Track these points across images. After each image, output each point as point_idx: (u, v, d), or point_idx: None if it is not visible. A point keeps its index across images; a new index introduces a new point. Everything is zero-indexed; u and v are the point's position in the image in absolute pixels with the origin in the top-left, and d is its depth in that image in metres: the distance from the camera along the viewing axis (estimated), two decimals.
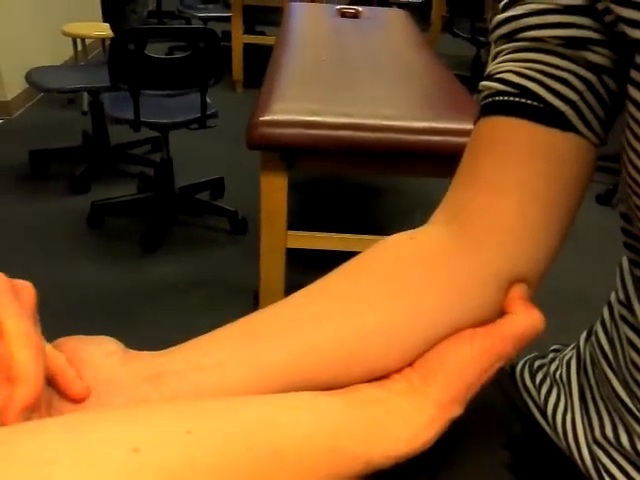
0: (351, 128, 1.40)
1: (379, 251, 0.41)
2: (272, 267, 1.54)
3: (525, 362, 0.55)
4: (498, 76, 0.40)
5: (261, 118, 1.39)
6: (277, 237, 1.51)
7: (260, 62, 2.96)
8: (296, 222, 1.57)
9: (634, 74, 0.34)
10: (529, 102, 0.38)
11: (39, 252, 2.05)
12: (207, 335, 0.38)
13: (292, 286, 1.60)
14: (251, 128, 1.39)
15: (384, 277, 0.39)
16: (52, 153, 2.62)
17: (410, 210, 2.39)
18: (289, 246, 1.53)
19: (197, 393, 0.34)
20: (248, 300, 1.78)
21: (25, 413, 0.30)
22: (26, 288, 0.36)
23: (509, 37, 0.39)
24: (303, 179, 2.48)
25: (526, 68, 0.38)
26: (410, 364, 0.38)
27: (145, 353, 0.36)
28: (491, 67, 0.41)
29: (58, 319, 1.66)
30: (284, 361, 0.36)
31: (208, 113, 2.03)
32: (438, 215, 0.43)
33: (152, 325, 1.72)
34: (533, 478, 0.47)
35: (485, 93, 0.41)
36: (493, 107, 0.40)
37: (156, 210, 2.22)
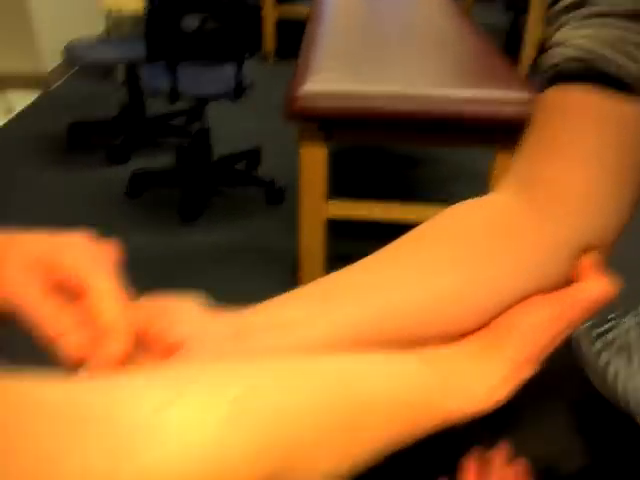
0: (389, 99, 1.39)
1: (449, 217, 0.42)
2: (312, 237, 1.56)
3: (585, 329, 0.56)
4: (567, 43, 0.40)
5: (299, 91, 1.40)
6: (317, 207, 1.53)
7: (291, 33, 2.94)
8: (336, 191, 1.58)
9: None
10: (602, 68, 0.38)
11: (79, 221, 2.09)
12: (286, 295, 0.39)
13: (332, 256, 1.62)
14: (289, 101, 1.39)
15: (456, 242, 0.40)
16: (90, 125, 2.67)
17: (451, 178, 2.37)
18: (329, 216, 1.55)
19: (277, 349, 0.36)
20: (286, 269, 1.81)
21: (114, 367, 0.32)
22: (109, 249, 0.38)
23: (577, 6, 0.39)
24: (343, 147, 2.48)
25: (597, 35, 0.38)
26: (486, 325, 0.39)
27: (228, 311, 0.38)
28: (557, 36, 0.41)
29: None
30: (360, 322, 0.37)
31: (243, 85, 2.04)
32: (506, 183, 0.43)
33: (194, 291, 1.77)
34: (596, 440, 0.49)
35: (554, 61, 0.41)
36: (564, 74, 0.40)
37: (194, 180, 2.26)
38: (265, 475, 0.26)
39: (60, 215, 2.12)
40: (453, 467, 0.46)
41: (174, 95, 1.98)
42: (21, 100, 2.96)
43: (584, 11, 0.39)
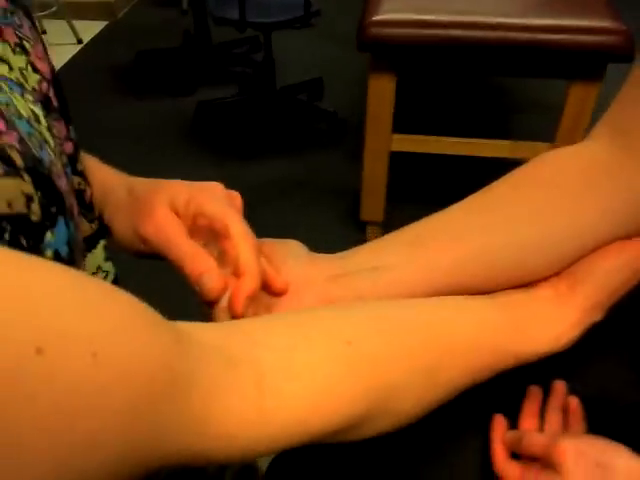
0: (464, 26, 1.35)
1: (542, 164, 0.44)
2: (375, 170, 1.57)
3: None
4: None
5: (371, 19, 1.37)
6: (382, 141, 1.53)
7: None
8: (401, 125, 1.57)
9: None
10: None
11: (147, 151, 2.16)
12: (379, 240, 0.43)
13: (393, 191, 1.63)
14: (361, 29, 1.37)
15: (547, 190, 0.42)
16: (157, 53, 2.70)
17: (522, 112, 2.29)
18: (393, 149, 1.55)
19: (373, 291, 0.40)
20: (348, 201, 1.83)
21: (248, 300, 0.37)
22: (237, 196, 0.42)
23: None
24: (410, 82, 2.43)
25: None
26: (557, 273, 0.41)
27: (326, 256, 0.42)
28: None
29: None
30: (449, 266, 0.41)
31: (311, 11, 2.00)
32: (602, 128, 0.44)
33: (258, 225, 1.81)
34: None
35: None
36: None
37: (258, 111, 2.28)
38: (361, 415, 0.31)
39: (127, 146, 2.18)
40: (511, 407, 0.49)
41: (242, 24, 1.97)
42: (88, 30, 3.01)
43: None
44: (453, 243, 0.41)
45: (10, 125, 0.26)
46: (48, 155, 0.29)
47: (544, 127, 1.55)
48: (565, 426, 0.48)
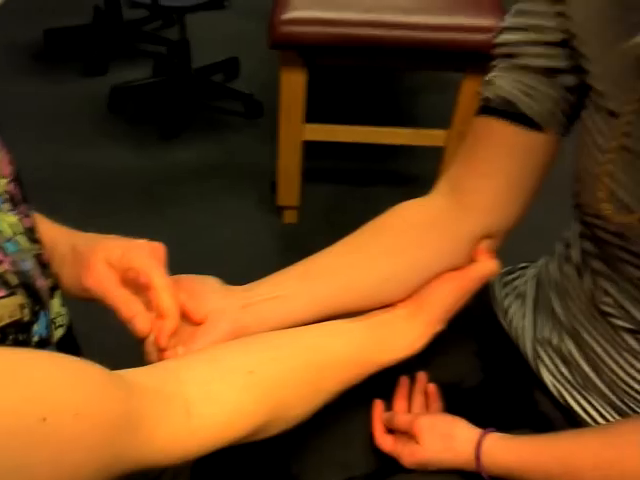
0: (370, 25, 1.45)
1: (395, 215, 0.57)
2: (289, 158, 1.68)
3: (499, 276, 0.72)
4: (494, 86, 0.53)
5: (282, 17, 1.45)
6: (294, 131, 1.63)
7: None
8: (315, 114, 1.67)
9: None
10: (514, 110, 0.51)
11: (62, 135, 2.13)
12: (278, 273, 0.55)
13: (307, 175, 1.75)
14: (272, 27, 1.45)
15: (399, 236, 0.56)
16: (66, 31, 2.63)
17: (426, 99, 2.45)
18: (306, 139, 1.65)
19: (273, 317, 0.52)
20: (265, 184, 1.90)
21: (170, 336, 0.48)
22: (160, 247, 0.52)
23: (505, 57, 0.52)
24: (324, 73, 2.51)
25: (514, 84, 0.51)
26: (409, 296, 0.55)
27: (236, 288, 0.53)
28: (489, 76, 0.54)
29: (89, 203, 1.84)
30: (329, 296, 0.54)
31: None
32: (441, 185, 0.58)
33: (177, 208, 1.86)
34: (493, 363, 0.67)
35: (483, 96, 0.54)
36: (488, 109, 0.53)
37: (174, 93, 2.30)
38: (263, 424, 0.43)
39: (37, 132, 2.13)
40: (388, 393, 0.63)
41: (155, 8, 1.98)
42: None
43: (512, 61, 0.51)
44: (331, 278, 0.54)
45: (3, 252, 0.36)
46: (29, 264, 0.38)
47: (445, 114, 1.70)
48: (426, 406, 0.63)
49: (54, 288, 0.49)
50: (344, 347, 0.50)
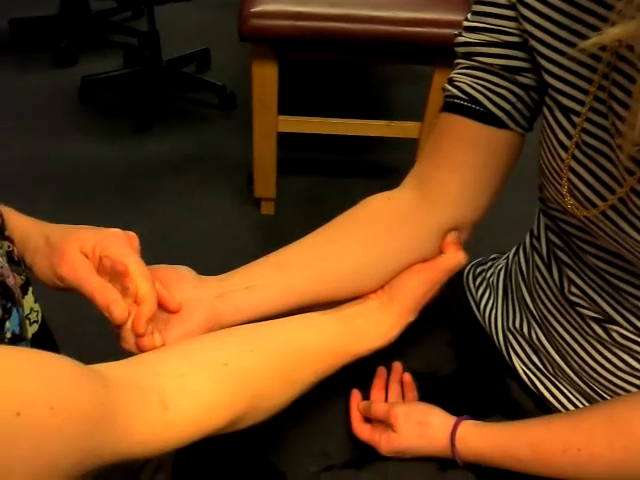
0: (339, 19, 1.46)
1: (365, 208, 0.58)
2: (265, 151, 1.68)
3: (471, 267, 0.74)
4: (456, 84, 0.54)
5: (251, 10, 1.44)
6: (268, 123, 1.63)
7: None
8: (290, 106, 1.67)
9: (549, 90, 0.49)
10: (476, 108, 0.52)
11: (33, 129, 2.10)
12: (252, 263, 0.56)
13: (283, 167, 1.75)
14: (241, 20, 1.44)
15: (369, 228, 0.56)
16: (33, 21, 2.58)
17: (398, 91, 2.46)
18: (280, 130, 1.65)
19: (247, 306, 0.52)
20: (242, 176, 1.91)
21: (148, 322, 0.48)
22: (134, 237, 0.52)
23: (466, 57, 0.53)
24: (298, 63, 2.50)
25: (476, 83, 0.52)
26: (381, 287, 0.56)
27: (211, 278, 0.54)
28: (452, 74, 0.55)
29: (62, 196, 1.81)
30: (302, 286, 0.54)
31: None
32: (409, 180, 0.59)
33: (152, 201, 1.85)
34: (466, 352, 0.68)
35: (447, 93, 0.55)
36: (452, 107, 0.54)
37: (146, 85, 2.27)
38: (239, 415, 0.44)
39: (8, 126, 2.10)
40: (364, 383, 0.65)
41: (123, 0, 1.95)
42: None
43: (472, 61, 0.52)
44: (304, 268, 0.54)
45: None
46: (0, 261, 0.38)
47: (417, 106, 1.72)
48: (402, 396, 0.65)
49: (27, 284, 0.49)
50: (317, 339, 0.51)
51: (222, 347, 0.47)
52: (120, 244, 0.51)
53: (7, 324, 0.37)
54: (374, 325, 0.54)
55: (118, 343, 0.51)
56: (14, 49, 2.50)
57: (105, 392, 0.35)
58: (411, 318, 0.55)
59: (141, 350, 0.48)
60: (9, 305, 0.37)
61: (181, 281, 0.53)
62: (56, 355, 0.34)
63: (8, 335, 0.37)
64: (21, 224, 0.54)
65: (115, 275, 0.50)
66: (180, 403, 0.40)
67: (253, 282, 0.53)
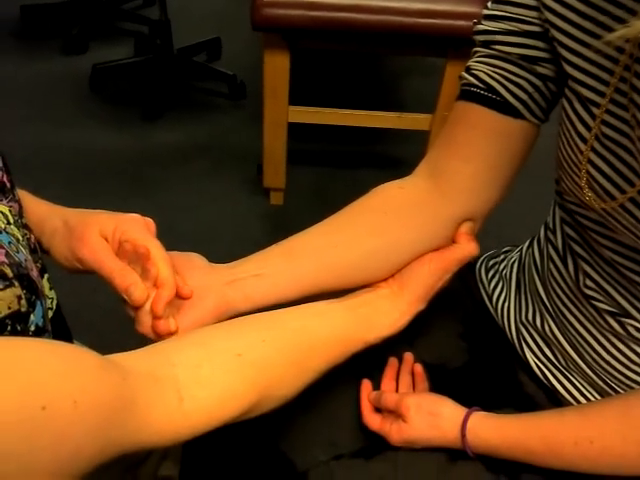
0: (351, 10, 1.45)
1: (376, 196, 0.58)
2: (275, 141, 1.67)
3: (483, 259, 0.74)
4: (474, 72, 0.53)
5: (263, 0, 1.44)
6: (279, 113, 1.62)
7: None
8: (301, 96, 1.66)
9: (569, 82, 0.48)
10: (493, 97, 0.52)
11: (43, 116, 2.10)
12: (262, 251, 0.56)
13: (293, 157, 1.75)
14: (254, 9, 1.44)
15: (380, 216, 0.56)
16: (44, 8, 2.58)
17: (410, 83, 2.45)
18: (291, 121, 1.65)
19: (257, 293, 0.53)
20: (251, 166, 1.90)
21: (166, 305, 0.48)
22: (151, 222, 0.53)
23: (484, 45, 0.52)
24: (310, 54, 2.49)
25: (493, 72, 0.52)
26: (392, 276, 0.56)
27: (221, 265, 0.54)
28: (470, 62, 0.54)
29: (72, 183, 1.82)
30: (312, 274, 0.54)
31: None
32: (421, 168, 0.58)
33: (161, 190, 1.86)
34: (478, 344, 0.68)
35: (464, 82, 0.54)
36: (468, 95, 0.54)
37: (157, 73, 2.27)
38: (252, 404, 0.44)
39: (18, 111, 2.10)
40: (375, 373, 0.65)
41: None
42: None
43: (491, 49, 0.52)
44: (314, 256, 0.55)
45: None
46: (23, 254, 0.38)
47: (428, 98, 1.71)
48: (413, 386, 0.65)
49: (43, 271, 0.49)
50: (328, 327, 0.52)
51: (236, 337, 0.47)
52: (139, 228, 0.51)
53: (31, 317, 0.37)
54: (384, 313, 0.54)
55: (134, 327, 0.51)
56: (25, 36, 2.51)
57: (124, 383, 0.35)
58: (421, 307, 0.55)
59: (156, 334, 0.49)
60: (33, 298, 0.37)
61: (192, 268, 0.53)
62: (77, 347, 0.34)
63: (32, 328, 0.37)
64: (37, 207, 0.55)
65: (135, 258, 0.50)
66: (195, 394, 0.40)
67: (263, 270, 0.53)
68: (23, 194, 0.55)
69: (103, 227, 0.51)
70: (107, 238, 0.51)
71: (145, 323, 0.50)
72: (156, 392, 0.38)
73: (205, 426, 0.41)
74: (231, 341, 0.46)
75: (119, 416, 0.34)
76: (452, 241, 0.56)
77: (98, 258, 0.49)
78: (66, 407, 0.30)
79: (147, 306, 0.49)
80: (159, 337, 0.50)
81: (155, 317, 0.49)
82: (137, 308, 0.50)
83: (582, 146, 0.49)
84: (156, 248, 0.50)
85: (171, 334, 0.49)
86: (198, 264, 0.54)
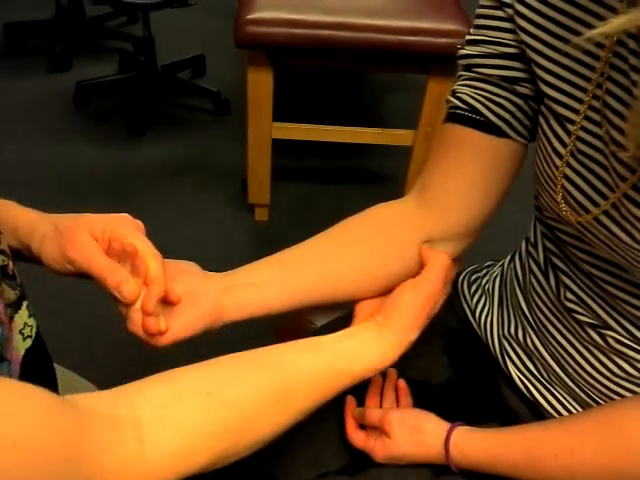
0: (334, 27, 1.47)
1: (366, 213, 0.59)
2: (259, 157, 1.68)
3: (466, 274, 0.74)
4: (458, 95, 0.55)
5: (247, 16, 1.45)
6: (263, 130, 1.63)
7: None
8: (284, 113, 1.67)
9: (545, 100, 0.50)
10: (477, 117, 0.53)
11: (28, 133, 2.09)
12: (256, 262, 0.56)
13: (277, 173, 1.76)
14: (237, 27, 1.45)
15: (368, 230, 0.58)
16: (27, 26, 2.57)
17: (392, 100, 2.47)
18: (275, 137, 1.66)
19: (249, 302, 0.53)
20: (236, 182, 1.91)
21: (157, 303, 0.48)
22: (140, 223, 0.53)
23: (467, 69, 0.54)
24: (294, 70, 2.51)
25: (476, 93, 0.53)
26: (376, 310, 0.54)
27: (214, 274, 0.54)
28: (455, 86, 0.56)
29: (56, 200, 1.80)
30: (303, 285, 0.55)
31: None
32: (413, 189, 0.59)
33: (147, 206, 1.85)
34: (461, 359, 0.68)
35: (450, 105, 0.56)
36: (454, 117, 0.55)
37: (141, 90, 2.27)
38: (225, 448, 0.42)
39: (4, 127, 2.08)
40: (359, 390, 0.64)
41: (118, 4, 1.96)
42: None
43: (473, 72, 0.53)
44: (306, 266, 0.55)
45: None
46: None
47: (411, 114, 1.73)
48: (397, 402, 0.65)
49: (21, 298, 0.49)
50: (309, 361, 0.49)
51: (206, 376, 0.45)
52: (128, 227, 0.51)
53: None
54: (370, 345, 0.52)
55: (125, 327, 0.51)
56: (9, 53, 2.50)
57: (77, 426, 0.33)
58: (413, 336, 0.53)
59: (146, 332, 0.48)
60: None
61: (187, 274, 0.53)
62: (29, 387, 0.32)
63: None
64: (26, 215, 0.55)
65: (124, 257, 0.50)
66: (158, 436, 0.38)
67: (256, 279, 0.54)
68: (10, 204, 0.55)
69: (92, 227, 0.51)
70: (97, 238, 0.51)
71: (136, 321, 0.49)
72: (114, 436, 0.36)
73: (173, 473, 0.38)
74: (201, 380, 0.44)
75: (69, 465, 0.32)
76: (421, 266, 0.55)
77: (88, 258, 0.49)
78: (5, 450, 0.28)
79: (138, 304, 0.49)
80: (149, 336, 0.49)
81: (146, 314, 0.48)
82: (129, 306, 0.49)
83: (558, 162, 0.50)
84: (144, 244, 0.50)
85: (161, 333, 0.49)
86: (192, 270, 0.54)
